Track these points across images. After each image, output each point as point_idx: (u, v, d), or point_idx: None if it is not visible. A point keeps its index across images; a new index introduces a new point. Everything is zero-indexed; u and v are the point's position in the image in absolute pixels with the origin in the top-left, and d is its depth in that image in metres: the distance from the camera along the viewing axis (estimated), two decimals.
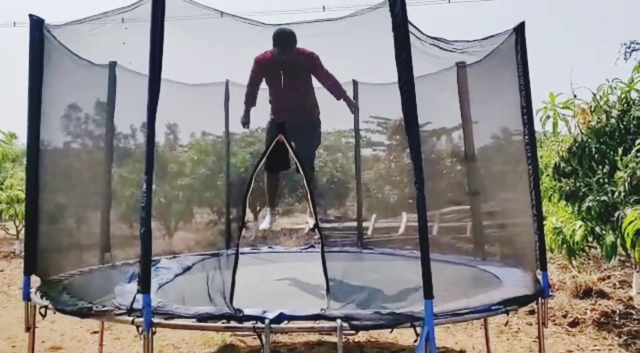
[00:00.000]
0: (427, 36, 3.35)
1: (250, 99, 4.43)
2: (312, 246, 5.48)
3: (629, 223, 3.77)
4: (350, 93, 5.48)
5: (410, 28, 2.86)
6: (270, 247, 5.73)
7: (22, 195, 8.91)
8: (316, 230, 3.82)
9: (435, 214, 6.54)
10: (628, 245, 3.80)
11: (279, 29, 3.98)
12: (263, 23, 3.59)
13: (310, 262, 4.33)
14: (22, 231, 9.13)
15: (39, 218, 3.39)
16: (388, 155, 7.98)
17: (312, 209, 3.84)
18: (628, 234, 3.67)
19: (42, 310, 3.09)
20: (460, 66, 4.34)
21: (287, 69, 4.06)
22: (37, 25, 3.34)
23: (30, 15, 3.33)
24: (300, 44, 3.88)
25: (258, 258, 4.74)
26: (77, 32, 3.41)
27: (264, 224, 3.98)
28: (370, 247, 5.47)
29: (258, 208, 9.72)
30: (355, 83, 5.44)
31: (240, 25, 3.53)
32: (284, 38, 3.97)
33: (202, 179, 6.80)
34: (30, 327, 3.25)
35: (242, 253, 4.14)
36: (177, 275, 4.01)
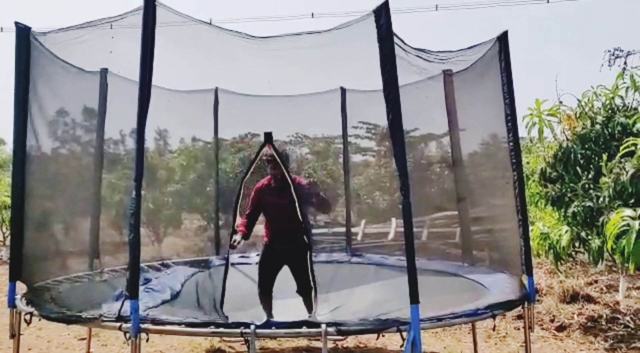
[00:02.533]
0: (412, 48, 3.39)
1: (249, 227, 4.33)
2: None
3: (612, 226, 3.82)
4: (337, 101, 5.56)
5: (396, 39, 2.90)
6: (259, 254, 5.72)
7: (9, 201, 8.83)
8: (304, 236, 3.85)
9: (424, 220, 6.56)
10: (609, 246, 3.85)
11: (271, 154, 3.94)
12: (250, 35, 3.60)
13: None
14: (9, 238, 9.06)
15: (25, 224, 3.38)
16: (377, 161, 8.00)
17: (301, 215, 3.86)
18: (611, 234, 3.72)
19: (27, 317, 3.07)
20: (447, 74, 4.39)
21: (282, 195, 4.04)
22: (23, 33, 3.35)
23: (16, 23, 3.34)
24: (289, 56, 3.86)
25: (247, 264, 4.74)
26: (66, 40, 3.42)
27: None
28: (358, 253, 5.49)
29: None
30: (343, 90, 5.49)
31: (228, 35, 3.54)
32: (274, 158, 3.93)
33: (191, 185, 6.78)
34: (15, 334, 3.23)
35: (231, 262, 4.14)
36: (164, 302, 3.86)
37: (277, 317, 2.76)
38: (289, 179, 3.80)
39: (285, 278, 4.25)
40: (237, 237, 4.10)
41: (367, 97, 4.83)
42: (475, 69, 3.97)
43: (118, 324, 2.69)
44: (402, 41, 3.15)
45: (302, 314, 2.82)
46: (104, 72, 4.24)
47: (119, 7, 3.08)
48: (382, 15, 2.69)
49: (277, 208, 4.08)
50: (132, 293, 2.61)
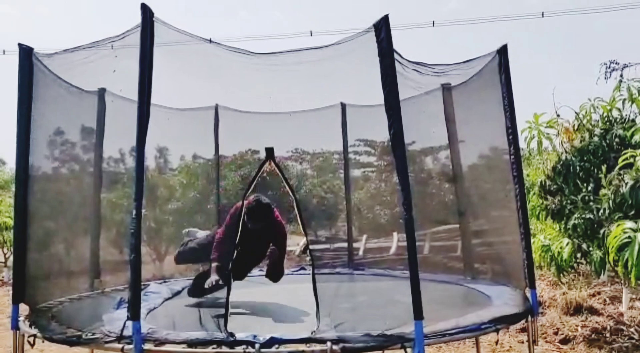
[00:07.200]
0: (409, 61, 3.43)
1: (222, 253, 3.76)
2: (302, 268, 5.48)
3: (613, 239, 3.82)
4: (338, 116, 5.58)
5: (395, 55, 2.93)
6: (261, 270, 5.70)
7: (11, 222, 8.82)
8: (307, 251, 3.84)
9: (426, 233, 6.57)
10: (610, 258, 3.85)
11: (256, 200, 3.72)
12: (251, 52, 3.64)
13: (301, 284, 4.32)
14: (11, 259, 9.01)
15: (27, 245, 3.38)
16: (378, 175, 8.03)
17: (303, 231, 3.86)
18: (613, 247, 3.73)
19: (31, 339, 3.05)
20: (446, 88, 4.43)
21: (255, 236, 3.87)
22: (26, 54, 3.38)
23: (20, 44, 3.38)
24: (289, 72, 3.84)
25: (249, 281, 4.72)
26: (68, 60, 3.45)
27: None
28: (361, 268, 5.48)
29: None
30: (343, 105, 5.53)
31: (228, 52, 3.58)
32: (259, 211, 3.74)
33: (192, 203, 6.80)
34: None
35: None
36: (166, 300, 3.98)
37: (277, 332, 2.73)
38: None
39: (283, 291, 4.24)
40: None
41: (367, 112, 4.87)
42: (475, 82, 4.01)
43: (120, 345, 2.66)
44: (400, 56, 3.19)
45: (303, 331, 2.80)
46: (101, 91, 4.28)
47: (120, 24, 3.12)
48: (382, 30, 2.72)
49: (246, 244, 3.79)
50: (134, 314, 2.60)
